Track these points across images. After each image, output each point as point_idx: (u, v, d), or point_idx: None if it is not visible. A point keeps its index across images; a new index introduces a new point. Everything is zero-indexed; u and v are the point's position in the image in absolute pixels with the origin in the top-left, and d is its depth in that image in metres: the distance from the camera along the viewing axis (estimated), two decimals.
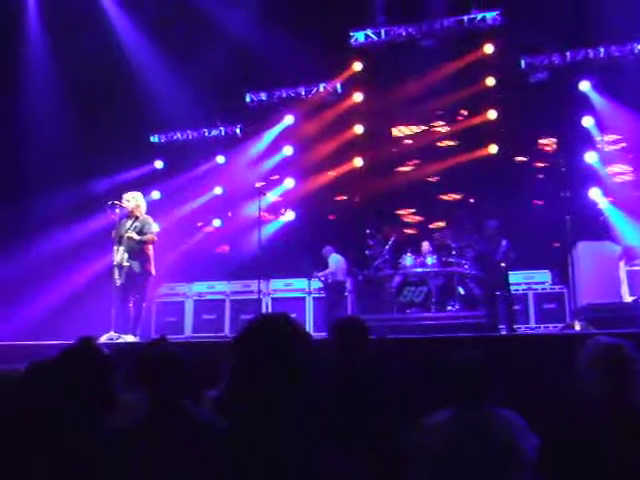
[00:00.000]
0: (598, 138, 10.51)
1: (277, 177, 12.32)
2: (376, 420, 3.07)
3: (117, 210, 7.68)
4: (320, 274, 9.89)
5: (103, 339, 6.94)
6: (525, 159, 11.33)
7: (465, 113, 11.66)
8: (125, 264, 7.37)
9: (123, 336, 7.12)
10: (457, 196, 11.49)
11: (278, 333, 1.56)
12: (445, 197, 11.57)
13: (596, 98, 10.49)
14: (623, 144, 10.61)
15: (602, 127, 10.49)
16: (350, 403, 3.05)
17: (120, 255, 7.40)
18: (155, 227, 7.74)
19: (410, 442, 2.91)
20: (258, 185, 9.60)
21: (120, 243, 7.47)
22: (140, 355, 2.56)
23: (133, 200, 7.64)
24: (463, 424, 2.85)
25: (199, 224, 12.55)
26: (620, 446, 2.35)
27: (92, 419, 2.23)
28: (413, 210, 11.68)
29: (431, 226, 11.19)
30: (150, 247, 7.57)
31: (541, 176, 11.04)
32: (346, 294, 10.17)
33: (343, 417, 2.88)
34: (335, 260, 9.93)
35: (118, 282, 7.40)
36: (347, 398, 3.04)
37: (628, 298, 7.94)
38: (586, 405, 2.50)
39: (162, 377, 2.42)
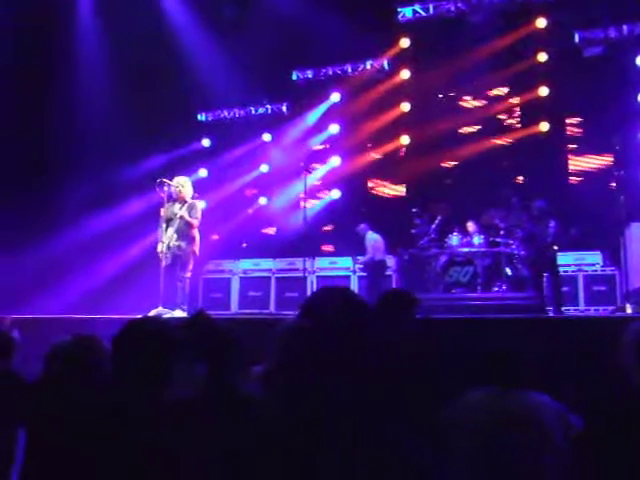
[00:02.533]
0: None
1: (323, 155, 12.31)
2: (412, 394, 3.07)
3: (165, 188, 7.82)
4: (362, 259, 9.87)
5: (151, 314, 7.11)
6: (577, 137, 11.01)
7: (516, 90, 11.39)
8: (174, 244, 7.58)
9: (171, 312, 7.29)
10: (506, 174, 11.26)
11: (343, 303, 1.58)
12: (494, 175, 11.35)
13: None
14: None
15: None
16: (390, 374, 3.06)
17: (169, 235, 7.59)
18: (200, 212, 7.86)
19: (444, 419, 2.92)
20: (304, 163, 9.59)
21: (168, 224, 7.65)
22: (190, 328, 2.61)
23: (182, 186, 7.79)
24: (497, 405, 2.86)
25: (246, 202, 12.65)
26: None
27: (152, 393, 2.29)
28: (460, 189, 11.51)
29: (478, 205, 11.01)
30: (196, 229, 7.73)
31: (593, 154, 10.72)
32: (389, 273, 10.13)
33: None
34: (372, 240, 9.88)
35: (165, 261, 7.59)
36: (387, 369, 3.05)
37: None
38: (628, 390, 2.47)
39: (216, 351, 2.47)
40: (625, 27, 10.23)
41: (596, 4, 10.09)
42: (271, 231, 12.48)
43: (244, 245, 12.08)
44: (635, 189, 9.17)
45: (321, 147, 12.45)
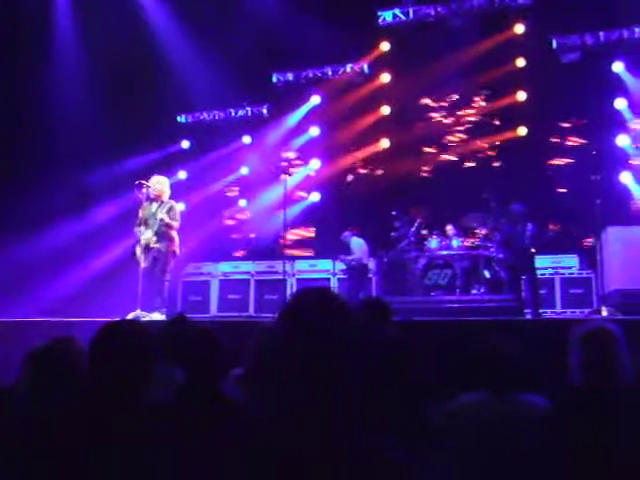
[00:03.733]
0: (631, 120, 10.29)
1: (303, 158, 12.31)
2: (394, 401, 3.07)
3: (144, 189, 7.75)
4: (348, 258, 9.84)
5: (129, 317, 7.04)
6: (554, 141, 11.14)
7: (494, 94, 11.48)
8: (153, 245, 7.49)
9: (149, 314, 7.22)
10: (484, 178, 11.34)
11: (323, 304, 1.56)
12: (472, 179, 11.43)
13: (629, 80, 10.26)
14: None
15: (635, 109, 10.26)
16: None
17: (147, 237, 7.50)
18: (179, 213, 7.79)
19: (436, 424, 2.91)
20: (284, 166, 9.60)
21: (146, 225, 7.57)
22: (170, 331, 2.59)
23: (160, 185, 7.72)
24: (489, 409, 2.85)
25: (225, 204, 12.60)
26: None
27: (131, 396, 2.27)
28: (439, 192, 11.58)
29: (457, 209, 11.09)
30: (175, 230, 7.66)
31: (571, 159, 10.85)
32: (370, 276, 10.16)
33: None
34: (358, 244, 9.89)
35: (144, 263, 7.51)
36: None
37: None
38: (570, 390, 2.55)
39: (196, 354, 2.46)
40: (602, 34, 10.38)
41: (573, 11, 10.21)
42: (251, 233, 12.44)
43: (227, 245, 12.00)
44: (611, 193, 9.30)
45: (301, 150, 12.43)
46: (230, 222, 12.40)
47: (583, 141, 10.71)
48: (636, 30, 10.18)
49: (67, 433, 2.11)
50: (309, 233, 11.97)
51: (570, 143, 10.95)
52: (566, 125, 11.02)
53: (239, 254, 11.76)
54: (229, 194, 12.63)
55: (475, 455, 2.78)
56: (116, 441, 2.10)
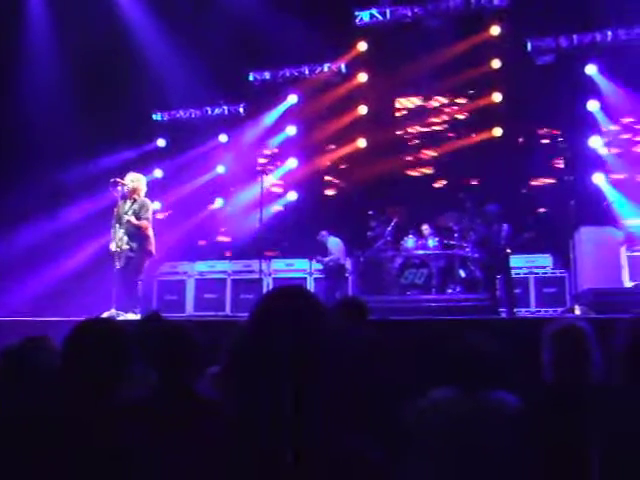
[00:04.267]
0: (603, 122, 10.45)
1: (280, 157, 12.30)
2: (369, 400, 3.08)
3: (119, 188, 7.66)
4: (325, 259, 9.83)
5: (104, 317, 6.98)
6: (529, 142, 11.27)
7: (470, 95, 11.59)
8: (125, 247, 7.40)
9: (124, 314, 7.16)
10: (460, 178, 11.45)
11: (298, 302, 1.56)
12: (448, 179, 11.53)
13: (602, 82, 10.41)
14: (626, 129, 10.55)
15: (608, 112, 10.42)
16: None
17: (119, 237, 7.42)
18: (150, 213, 7.69)
19: (409, 421, 2.93)
20: (261, 165, 9.57)
21: (120, 224, 7.49)
22: (144, 330, 2.58)
23: (135, 182, 7.63)
24: (461, 406, 2.88)
25: (201, 203, 12.54)
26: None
27: (105, 394, 2.24)
28: (415, 192, 11.65)
29: (433, 209, 11.18)
30: (149, 228, 7.58)
31: (545, 160, 10.99)
32: (347, 275, 10.17)
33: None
34: (335, 243, 9.91)
35: (118, 263, 7.43)
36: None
37: (629, 283, 7.96)
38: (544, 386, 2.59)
39: (172, 352, 2.44)
40: (575, 37, 10.53)
41: (548, 14, 10.34)
42: (227, 233, 12.39)
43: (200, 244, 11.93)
44: (584, 194, 9.44)
45: (278, 149, 12.42)
46: (206, 221, 12.32)
47: (557, 142, 10.85)
48: (609, 33, 10.34)
49: (41, 433, 2.08)
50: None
51: (544, 146, 11.10)
52: (540, 126, 11.16)
53: (228, 254, 11.64)
54: (205, 193, 12.56)
55: (447, 452, 2.80)
56: (91, 441, 2.08)
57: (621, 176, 10.11)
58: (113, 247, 7.49)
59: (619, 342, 2.51)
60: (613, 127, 10.48)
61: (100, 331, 2.32)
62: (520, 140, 11.28)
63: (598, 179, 10.09)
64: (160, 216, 10.38)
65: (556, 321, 2.90)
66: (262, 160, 12.33)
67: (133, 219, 7.43)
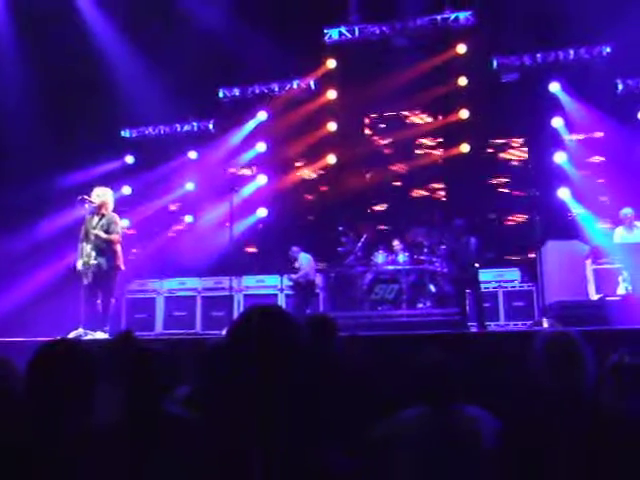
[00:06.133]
0: (567, 138, 10.68)
1: (250, 173, 12.29)
2: (338, 416, 3.07)
3: (86, 205, 7.56)
4: (295, 277, 9.80)
5: (71, 336, 6.85)
6: (495, 158, 11.47)
7: (437, 112, 11.76)
8: (92, 262, 7.28)
9: (92, 333, 7.03)
10: (429, 194, 11.58)
11: (273, 321, 1.56)
12: (417, 195, 11.65)
13: (565, 99, 10.66)
14: (589, 145, 10.81)
15: (571, 127, 10.66)
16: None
17: (87, 253, 7.30)
18: (120, 227, 7.61)
19: (379, 438, 2.93)
20: (230, 181, 9.54)
21: (87, 240, 7.37)
22: (114, 351, 2.53)
23: (102, 196, 7.53)
24: (432, 422, 2.88)
25: (171, 220, 12.45)
26: (571, 431, 2.42)
27: (72, 419, 2.19)
28: (385, 207, 11.74)
29: (403, 224, 11.27)
30: (118, 244, 7.48)
31: (511, 176, 11.18)
32: (317, 291, 10.17)
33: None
34: (306, 260, 9.91)
35: (85, 280, 7.31)
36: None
37: (594, 296, 8.08)
38: (540, 394, 2.59)
39: (140, 373, 2.40)
40: (539, 55, 10.78)
41: (512, 33, 10.57)
42: (197, 249, 12.29)
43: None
44: (550, 208, 9.61)
45: (248, 165, 12.41)
46: (176, 238, 12.22)
47: (523, 158, 11.06)
48: (571, 52, 10.61)
49: (3, 460, 2.03)
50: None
51: (510, 159, 11.30)
52: (506, 142, 11.37)
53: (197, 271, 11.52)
54: (174, 209, 12.48)
55: (417, 468, 2.80)
56: (57, 466, 2.03)
57: (585, 190, 10.33)
58: (79, 265, 7.37)
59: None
60: (576, 142, 10.72)
61: (63, 354, 2.26)
62: (486, 156, 11.46)
63: (563, 193, 10.29)
64: (129, 232, 10.26)
65: (545, 332, 2.89)
66: (232, 177, 12.30)
67: (102, 233, 7.32)
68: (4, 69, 10.63)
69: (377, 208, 11.69)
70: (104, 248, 7.34)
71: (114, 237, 7.39)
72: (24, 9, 10.69)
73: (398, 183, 11.80)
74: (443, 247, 9.12)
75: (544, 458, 2.45)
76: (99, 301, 7.33)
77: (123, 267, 7.54)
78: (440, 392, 2.91)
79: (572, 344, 2.61)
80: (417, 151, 11.83)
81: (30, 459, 2.04)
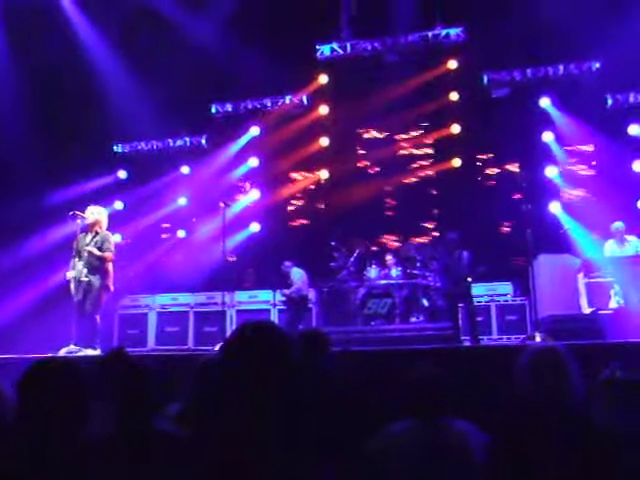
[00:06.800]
0: (558, 153, 10.76)
1: (242, 188, 12.31)
2: (330, 430, 3.06)
3: (78, 221, 7.55)
4: (288, 292, 9.77)
5: (62, 353, 6.81)
6: (487, 173, 11.53)
7: (429, 127, 11.83)
8: (83, 279, 7.25)
9: (84, 349, 6.99)
10: (421, 209, 11.61)
11: (267, 337, 1.56)
12: (409, 210, 11.68)
13: (555, 114, 10.75)
14: (580, 159, 10.89)
15: (561, 142, 10.74)
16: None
17: (78, 270, 7.27)
18: (113, 244, 7.59)
19: (370, 453, 2.92)
20: (223, 196, 9.53)
21: (79, 257, 7.34)
22: (105, 367, 2.52)
23: (96, 214, 7.52)
24: (421, 436, 2.88)
25: (163, 235, 12.42)
26: (558, 445, 2.42)
27: (64, 437, 2.17)
28: (378, 223, 11.76)
29: (395, 238, 11.30)
30: (109, 263, 7.46)
31: (502, 190, 11.23)
32: (310, 306, 10.14)
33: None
34: (299, 275, 9.88)
35: (76, 297, 7.28)
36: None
37: (587, 310, 8.10)
38: (527, 409, 2.59)
39: (131, 390, 2.39)
40: (529, 70, 10.89)
41: (502, 49, 10.68)
42: (189, 264, 12.26)
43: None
44: (542, 222, 9.65)
45: (240, 180, 12.43)
46: (168, 253, 12.19)
47: (514, 172, 11.12)
48: (561, 67, 10.72)
49: None
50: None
51: (501, 173, 11.36)
52: (497, 157, 11.44)
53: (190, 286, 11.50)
54: (167, 225, 12.46)
55: None
56: None
57: (575, 203, 10.39)
58: (70, 275, 7.34)
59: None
60: (567, 157, 10.81)
61: (54, 373, 2.24)
62: (478, 170, 11.53)
63: (554, 208, 10.34)
64: (121, 247, 10.22)
65: (531, 347, 2.90)
66: (224, 192, 12.31)
67: (95, 250, 7.30)
68: None
69: (369, 223, 11.68)
70: (97, 266, 7.32)
71: (107, 255, 7.37)
72: (15, 24, 10.71)
73: (390, 198, 11.84)
74: (436, 261, 9.13)
75: (534, 473, 2.45)
76: (88, 319, 7.28)
77: (112, 287, 7.51)
78: (429, 405, 2.91)
79: (557, 358, 2.62)
80: (409, 165, 11.87)
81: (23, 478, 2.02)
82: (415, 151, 11.96)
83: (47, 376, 2.23)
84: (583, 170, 10.88)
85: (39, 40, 10.53)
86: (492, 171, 11.51)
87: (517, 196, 10.02)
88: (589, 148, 10.77)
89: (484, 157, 11.53)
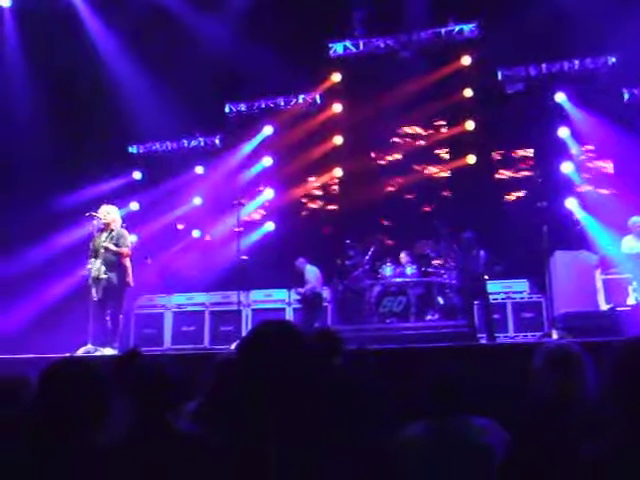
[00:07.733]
0: (573, 148, 10.67)
1: (257, 188, 12.34)
2: (346, 428, 3.06)
3: (95, 222, 7.61)
4: (303, 290, 9.77)
5: (80, 353, 6.86)
6: (503, 169, 11.46)
7: (444, 124, 11.78)
8: (102, 277, 7.29)
9: (101, 349, 7.04)
10: (436, 206, 11.56)
11: (284, 336, 1.57)
12: (424, 207, 11.64)
13: (571, 109, 10.66)
14: (596, 155, 10.79)
15: (577, 138, 10.64)
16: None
17: (97, 268, 7.32)
18: (129, 241, 7.65)
19: (387, 453, 2.91)
20: (237, 196, 9.55)
21: (96, 256, 7.40)
22: (122, 367, 2.54)
23: (109, 215, 7.58)
24: (439, 435, 2.87)
25: (178, 235, 12.48)
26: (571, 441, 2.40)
27: (83, 436, 2.19)
28: (392, 220, 11.73)
29: (410, 236, 11.25)
30: (127, 259, 7.51)
31: (518, 186, 11.16)
32: (325, 304, 10.14)
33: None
34: (313, 273, 9.87)
35: (95, 296, 7.31)
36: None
37: (604, 306, 8.03)
38: (543, 406, 2.58)
39: (149, 389, 2.40)
40: (544, 66, 10.80)
41: (517, 44, 10.60)
42: (205, 264, 12.31)
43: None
44: (558, 218, 9.58)
45: (254, 180, 12.46)
46: (183, 253, 12.25)
47: (530, 169, 11.05)
48: (576, 62, 10.63)
49: (17, 475, 2.03)
50: None
51: (517, 170, 11.29)
52: (513, 153, 11.36)
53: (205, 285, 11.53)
54: (182, 225, 12.51)
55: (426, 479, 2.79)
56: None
57: (592, 199, 10.30)
58: (89, 280, 7.37)
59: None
60: (583, 152, 10.71)
61: (73, 373, 2.26)
62: (493, 167, 11.45)
63: (571, 204, 10.26)
64: (136, 246, 10.29)
65: (547, 344, 2.88)
66: (239, 191, 12.34)
67: (112, 246, 7.36)
68: (11, 87, 10.73)
69: (383, 221, 11.66)
70: (114, 262, 7.37)
71: (124, 250, 7.43)
72: (31, 27, 10.81)
73: (405, 195, 11.80)
74: (451, 259, 9.09)
75: (551, 470, 2.43)
76: (108, 317, 7.34)
77: (132, 283, 7.56)
78: (447, 403, 2.90)
79: (573, 356, 2.61)
80: (423, 163, 11.83)
81: (41, 477, 2.04)
82: (430, 148, 11.90)
83: (68, 375, 2.25)
84: (600, 165, 10.78)
85: (53, 43, 10.60)
86: (507, 167, 11.43)
87: (533, 192, 9.98)
88: (605, 143, 10.65)
89: (499, 153, 11.45)
